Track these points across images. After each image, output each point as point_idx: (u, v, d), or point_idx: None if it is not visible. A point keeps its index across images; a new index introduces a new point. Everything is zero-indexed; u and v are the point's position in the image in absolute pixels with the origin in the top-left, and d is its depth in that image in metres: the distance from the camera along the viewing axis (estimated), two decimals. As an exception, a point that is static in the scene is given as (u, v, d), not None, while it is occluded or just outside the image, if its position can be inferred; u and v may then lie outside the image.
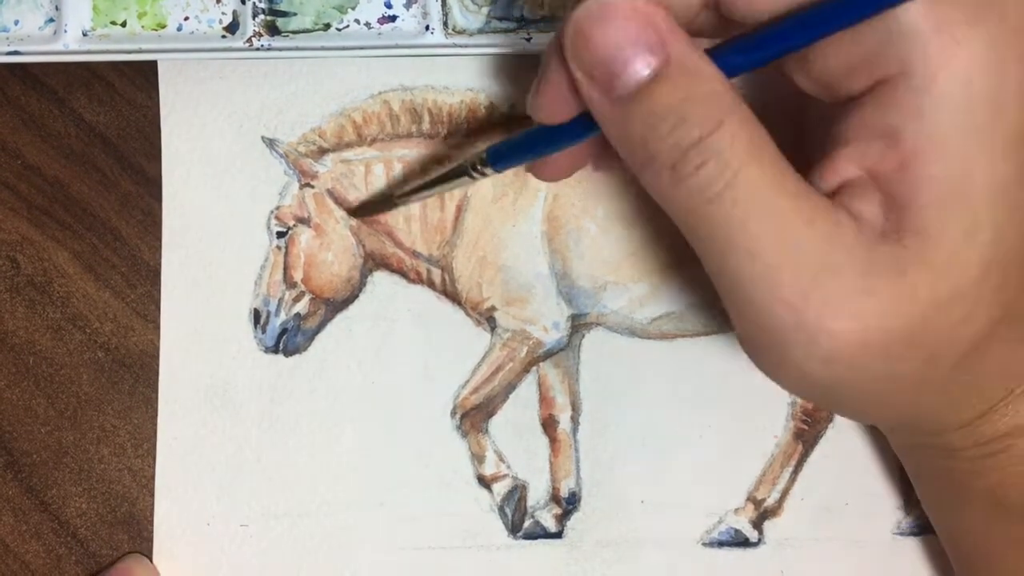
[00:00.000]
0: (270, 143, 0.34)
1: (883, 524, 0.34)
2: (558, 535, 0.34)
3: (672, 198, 0.22)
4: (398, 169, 0.34)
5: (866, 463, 0.34)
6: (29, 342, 0.34)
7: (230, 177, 0.34)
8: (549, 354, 0.34)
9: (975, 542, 0.29)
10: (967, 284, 0.22)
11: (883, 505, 0.34)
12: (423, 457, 0.34)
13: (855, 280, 0.22)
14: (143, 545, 0.33)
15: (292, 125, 0.34)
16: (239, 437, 0.33)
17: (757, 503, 0.34)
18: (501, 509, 0.34)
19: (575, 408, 0.34)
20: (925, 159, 0.22)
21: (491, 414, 0.34)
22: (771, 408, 0.34)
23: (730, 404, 0.34)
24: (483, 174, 0.28)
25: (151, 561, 0.33)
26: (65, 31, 0.32)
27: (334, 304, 0.34)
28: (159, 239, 0.34)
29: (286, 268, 0.34)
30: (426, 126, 0.34)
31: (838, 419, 0.34)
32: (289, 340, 0.34)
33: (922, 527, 0.34)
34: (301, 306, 0.34)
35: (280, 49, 0.32)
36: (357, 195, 0.34)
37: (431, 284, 0.34)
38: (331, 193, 0.34)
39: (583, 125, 0.24)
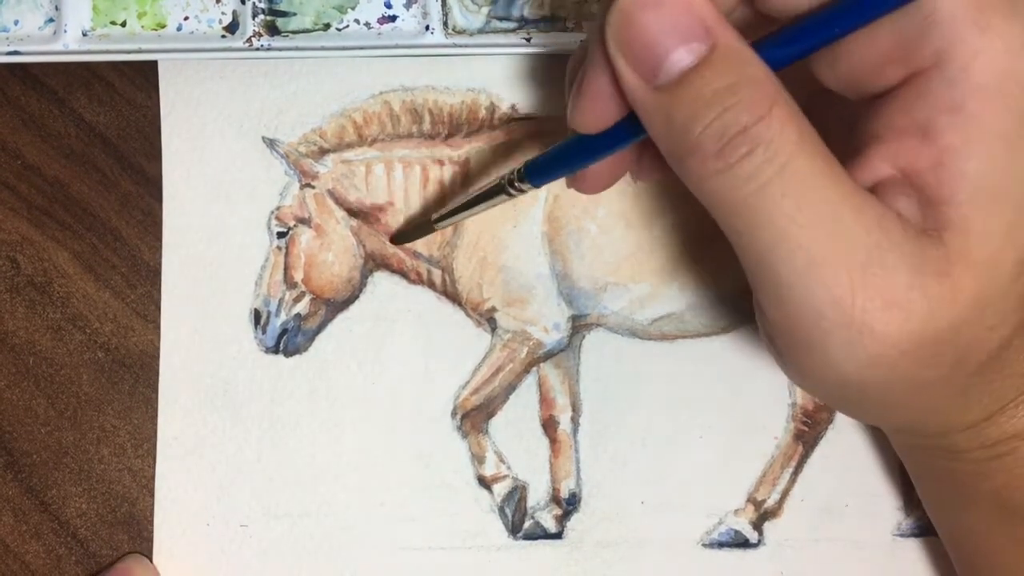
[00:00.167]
0: (270, 143, 0.34)
1: (883, 525, 0.34)
2: (558, 536, 0.34)
3: (714, 189, 0.21)
4: (399, 169, 0.34)
5: (866, 464, 0.34)
6: (29, 342, 0.34)
7: (230, 177, 0.34)
8: (550, 355, 0.34)
9: (978, 543, 0.29)
10: (1006, 284, 0.22)
11: (883, 506, 0.34)
12: (423, 457, 0.34)
13: (906, 277, 0.21)
14: (143, 545, 0.33)
15: (292, 125, 0.34)
16: (239, 437, 0.33)
17: (757, 504, 0.34)
18: (501, 510, 0.34)
19: (575, 409, 0.34)
20: (962, 154, 0.21)
21: (491, 415, 0.34)
22: (771, 409, 0.34)
23: (730, 405, 0.34)
24: (521, 191, 0.27)
25: (151, 561, 0.33)
26: (65, 31, 0.32)
27: (334, 304, 0.34)
28: (159, 239, 0.34)
29: (286, 268, 0.34)
30: (427, 126, 0.34)
31: (838, 420, 0.34)
32: (289, 340, 0.34)
33: (922, 528, 0.34)
34: (301, 306, 0.34)
35: (280, 49, 0.32)
36: (358, 195, 0.34)
37: (431, 285, 0.34)
38: (332, 193, 0.34)
39: (624, 130, 0.23)
